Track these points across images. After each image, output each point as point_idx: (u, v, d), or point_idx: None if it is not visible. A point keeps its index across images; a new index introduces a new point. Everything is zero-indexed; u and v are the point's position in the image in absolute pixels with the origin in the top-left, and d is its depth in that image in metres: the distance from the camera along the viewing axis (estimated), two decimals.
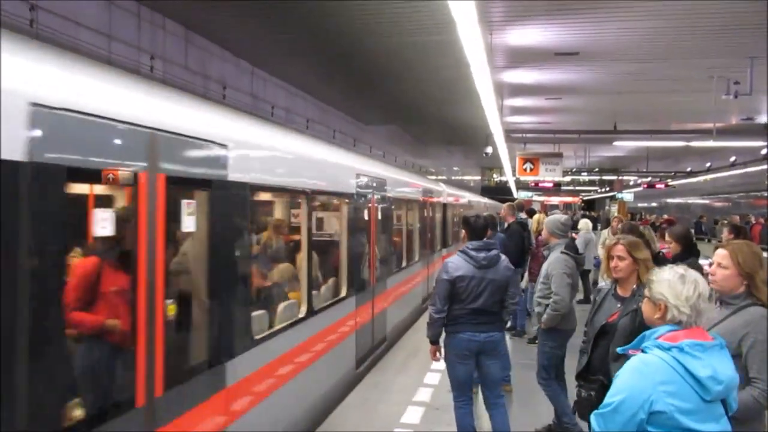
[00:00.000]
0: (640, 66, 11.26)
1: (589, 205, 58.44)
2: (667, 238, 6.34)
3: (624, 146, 24.52)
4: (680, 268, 2.78)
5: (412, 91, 13.96)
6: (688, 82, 12.37)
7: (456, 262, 5.11)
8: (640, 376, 2.50)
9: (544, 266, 5.87)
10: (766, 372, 3.11)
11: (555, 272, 5.64)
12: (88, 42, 6.53)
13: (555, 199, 47.89)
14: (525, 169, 17.04)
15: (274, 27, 9.02)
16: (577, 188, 49.26)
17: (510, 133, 16.64)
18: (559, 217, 6.32)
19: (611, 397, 2.53)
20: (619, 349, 2.91)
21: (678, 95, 13.93)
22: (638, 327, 3.44)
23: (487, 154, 17.51)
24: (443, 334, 5.23)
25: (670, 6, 7.98)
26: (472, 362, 5.08)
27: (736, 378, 2.60)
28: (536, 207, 22.34)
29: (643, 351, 2.61)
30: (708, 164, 26.55)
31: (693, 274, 2.74)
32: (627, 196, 31.23)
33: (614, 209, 34.94)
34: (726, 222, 14.26)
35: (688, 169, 28.77)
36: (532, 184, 29.33)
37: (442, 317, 5.06)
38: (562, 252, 5.79)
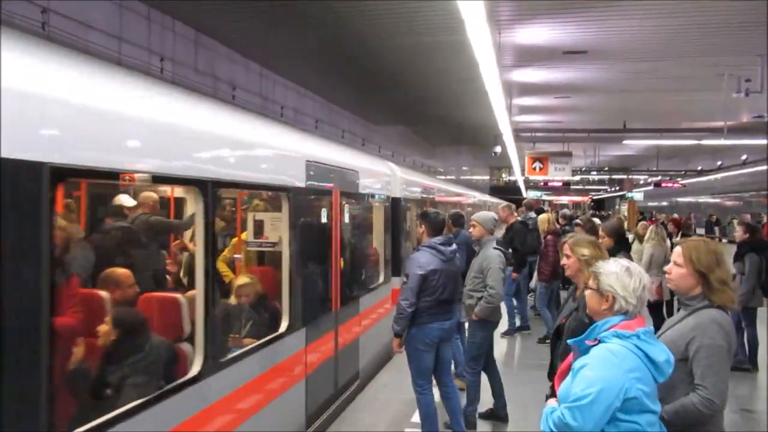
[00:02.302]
0: (650, 64, 11.21)
1: (599, 205, 58.20)
2: (600, 232, 6.49)
3: (634, 145, 24.43)
4: (624, 261, 2.89)
5: (421, 91, 13.96)
6: (698, 81, 12.30)
7: (426, 257, 5.37)
8: (611, 365, 2.58)
9: (477, 261, 6.14)
10: (711, 379, 2.98)
11: (492, 267, 5.93)
12: (99, 44, 6.58)
13: (564, 199, 47.71)
14: (534, 169, 17.02)
15: (283, 28, 9.06)
16: (587, 187, 49.05)
17: (519, 132, 16.62)
18: (491, 213, 6.69)
19: (585, 389, 2.56)
20: (569, 341, 2.97)
21: (688, 93, 13.86)
22: (578, 325, 3.61)
23: (495, 153, 17.49)
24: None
25: (679, 3, 7.95)
26: (435, 350, 5.44)
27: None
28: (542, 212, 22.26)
29: (600, 342, 2.69)
30: (719, 163, 26.39)
31: (636, 266, 2.87)
32: (637, 195, 31.06)
33: (624, 208, 34.76)
34: (738, 220, 14.18)
35: (699, 168, 28.61)
36: (542, 184, 29.26)
37: (412, 310, 5.33)
38: (494, 248, 6.09)
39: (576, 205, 51.88)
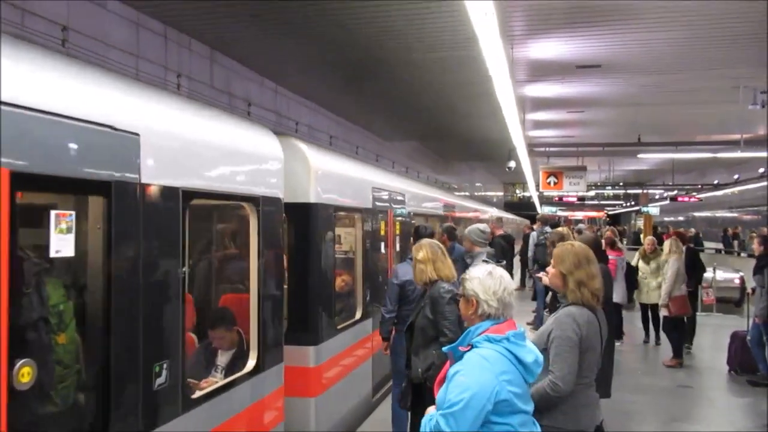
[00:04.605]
0: (664, 77, 11.18)
1: (615, 220, 57.78)
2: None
3: (649, 159, 24.32)
4: (489, 266, 3.03)
5: (434, 106, 14.01)
6: (713, 93, 12.24)
7: (404, 268, 5.81)
8: (483, 370, 2.64)
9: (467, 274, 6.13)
10: (559, 365, 3.38)
11: None
12: (117, 61, 6.69)
13: (579, 214, 47.44)
14: (549, 183, 16.94)
15: (297, 46, 9.15)
16: (602, 202, 48.75)
17: (533, 147, 16.59)
18: (479, 225, 6.67)
19: (458, 395, 2.62)
20: (444, 349, 3.09)
21: (703, 106, 13.78)
22: (425, 322, 4.69)
23: (510, 168, 17.45)
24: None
25: (693, 16, 7.93)
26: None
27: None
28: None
29: (473, 347, 2.77)
30: (736, 176, 26.13)
31: (500, 270, 2.99)
32: (653, 209, 30.80)
33: (640, 223, 34.48)
34: (756, 234, 14.00)
35: (716, 182, 28.34)
36: (556, 199, 29.15)
37: (392, 316, 5.83)
38: (484, 260, 6.02)
39: (592, 221, 51.54)
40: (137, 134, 3.15)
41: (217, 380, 4.24)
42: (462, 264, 6.86)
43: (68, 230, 2.71)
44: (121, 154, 3.06)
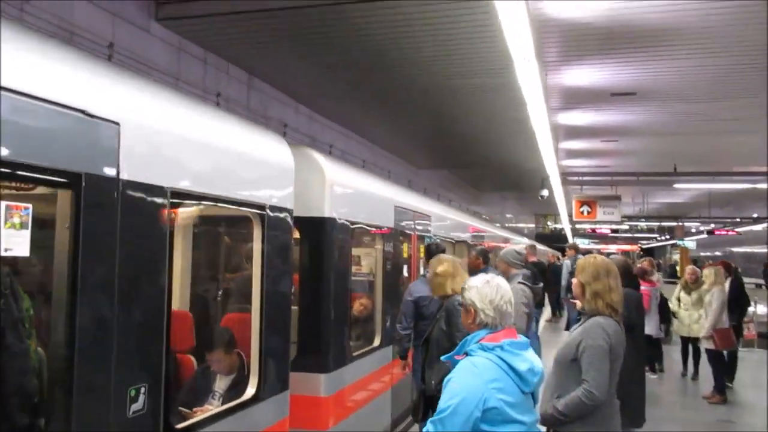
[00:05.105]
0: (701, 105, 11.03)
1: (648, 254, 56.68)
2: None
3: (684, 192, 23.87)
4: (487, 276, 3.06)
5: (467, 134, 14.02)
6: (752, 122, 12.01)
7: (417, 286, 6.04)
8: (472, 377, 2.68)
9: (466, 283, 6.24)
10: (592, 374, 3.44)
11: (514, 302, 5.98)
12: (159, 82, 6.88)
13: (612, 247, 46.65)
14: (582, 212, 16.75)
15: (331, 72, 9.29)
16: (635, 235, 47.95)
17: (566, 176, 16.44)
18: (515, 247, 6.79)
19: (447, 401, 2.65)
20: (442, 358, 3.16)
21: (741, 135, 13.52)
22: (440, 333, 4.77)
23: (542, 197, 17.32)
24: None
25: (730, 43, 7.85)
26: None
27: (543, 371, 2.90)
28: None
29: (468, 355, 2.82)
30: None
31: (498, 279, 3.02)
32: (689, 243, 30.16)
33: (675, 256, 33.76)
34: None
35: (755, 216, 27.68)
36: (589, 231, 28.75)
37: (408, 333, 5.87)
38: (519, 282, 5.95)
39: (625, 254, 50.64)
40: (117, 123, 2.83)
41: (211, 408, 3.82)
42: None
43: (22, 226, 2.36)
44: (96, 144, 2.72)
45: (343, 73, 9.39)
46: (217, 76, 8.42)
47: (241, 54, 8.52)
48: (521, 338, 2.91)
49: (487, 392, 2.63)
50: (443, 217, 10.26)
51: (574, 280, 3.84)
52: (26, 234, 2.38)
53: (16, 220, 2.34)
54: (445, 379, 2.78)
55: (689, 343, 10.86)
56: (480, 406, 2.61)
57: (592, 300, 3.66)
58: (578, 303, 4.18)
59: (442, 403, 2.69)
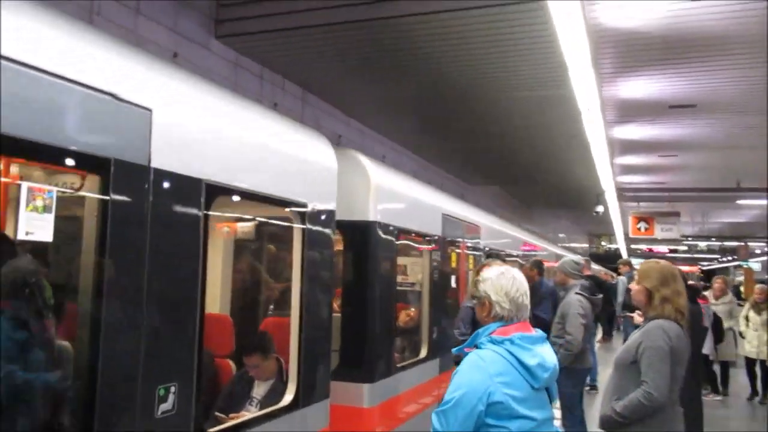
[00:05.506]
0: (764, 118, 10.64)
1: (709, 276, 54.57)
2: None
3: (747, 211, 22.93)
4: (502, 267, 2.99)
5: (518, 149, 13.88)
6: None
7: None
8: (477, 370, 2.63)
9: (560, 307, 6.13)
10: (651, 375, 3.41)
11: (570, 312, 5.88)
12: None
13: None
14: (639, 229, 16.29)
15: (383, 87, 9.38)
16: (695, 256, 46.28)
17: (622, 191, 16.05)
18: (573, 257, 6.71)
19: (451, 393, 2.61)
20: (453, 350, 3.11)
21: None
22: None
23: (597, 213, 16.93)
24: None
25: None
26: None
27: (558, 367, 2.81)
28: None
29: (478, 347, 2.77)
30: None
31: (513, 271, 2.92)
32: (754, 265, 28.92)
33: (739, 278, 32.44)
34: None
35: None
36: (646, 250, 27.92)
37: (465, 338, 5.78)
38: (576, 293, 5.99)
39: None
40: (149, 109, 2.73)
41: (248, 414, 3.64)
42: (550, 300, 6.71)
43: (45, 209, 2.25)
44: (125, 130, 2.60)
45: (394, 91, 9.46)
46: (273, 90, 8.63)
47: (295, 70, 8.70)
48: (536, 332, 2.82)
49: (493, 386, 2.58)
50: (494, 230, 10.11)
51: (636, 286, 3.75)
52: (50, 218, 2.27)
53: (39, 203, 2.24)
54: (453, 372, 2.78)
55: (756, 364, 10.40)
56: (484, 399, 2.56)
57: (660, 306, 3.61)
58: (636, 318, 4.13)
59: (447, 394, 2.67)
